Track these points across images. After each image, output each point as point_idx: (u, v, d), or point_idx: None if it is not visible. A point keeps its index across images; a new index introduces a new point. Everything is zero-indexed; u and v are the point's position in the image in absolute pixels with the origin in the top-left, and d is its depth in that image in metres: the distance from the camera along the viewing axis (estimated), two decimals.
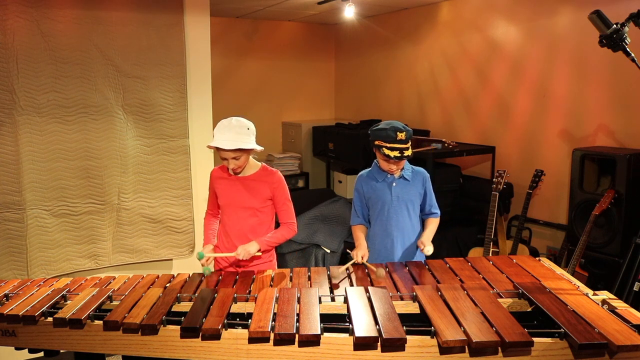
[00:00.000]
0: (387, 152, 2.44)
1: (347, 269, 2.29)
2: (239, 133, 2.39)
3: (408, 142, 2.47)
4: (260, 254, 2.48)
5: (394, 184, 2.58)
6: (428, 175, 2.65)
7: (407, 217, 2.59)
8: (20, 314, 1.97)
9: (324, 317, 1.78)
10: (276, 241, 2.55)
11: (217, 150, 2.41)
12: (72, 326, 1.91)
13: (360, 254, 2.42)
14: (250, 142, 2.41)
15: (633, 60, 1.88)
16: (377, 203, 2.60)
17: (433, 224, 2.65)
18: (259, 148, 2.45)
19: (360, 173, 2.71)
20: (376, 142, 2.49)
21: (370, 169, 2.68)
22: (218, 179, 2.61)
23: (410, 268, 2.30)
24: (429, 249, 2.46)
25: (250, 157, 2.55)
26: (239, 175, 2.55)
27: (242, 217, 2.55)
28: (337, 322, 1.75)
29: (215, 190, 2.62)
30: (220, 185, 2.59)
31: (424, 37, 5.14)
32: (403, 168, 2.58)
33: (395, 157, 2.43)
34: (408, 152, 2.45)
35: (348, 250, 2.51)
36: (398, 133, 2.43)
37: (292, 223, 2.58)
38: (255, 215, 2.54)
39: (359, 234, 2.64)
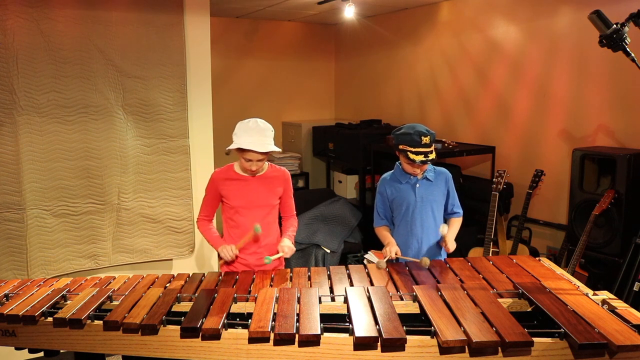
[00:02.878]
0: (412, 156, 2.46)
1: (387, 267, 2.29)
2: (268, 136, 2.43)
3: (432, 146, 2.50)
4: None
5: (418, 185, 2.60)
6: (450, 175, 2.68)
7: (432, 217, 2.62)
8: (20, 314, 1.97)
9: (324, 317, 1.78)
10: (294, 234, 2.67)
11: (244, 151, 2.41)
12: (72, 326, 1.91)
13: (394, 249, 2.46)
14: (274, 145, 2.47)
15: (633, 60, 1.88)
16: (401, 205, 2.63)
17: (456, 224, 2.68)
18: (280, 150, 2.53)
19: (383, 176, 2.73)
20: (400, 147, 2.51)
21: (392, 171, 2.70)
22: (225, 180, 2.58)
23: (410, 268, 2.30)
24: (452, 246, 2.50)
25: None
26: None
27: (259, 216, 2.57)
28: (337, 322, 1.75)
29: (220, 192, 2.59)
30: (230, 186, 2.57)
31: (424, 37, 5.14)
32: (426, 169, 2.61)
33: (421, 161, 2.46)
34: (432, 156, 2.48)
35: (372, 252, 2.52)
36: (422, 137, 2.45)
37: (295, 215, 2.73)
38: (270, 212, 2.61)
39: (385, 233, 2.67)
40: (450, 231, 2.62)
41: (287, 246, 2.52)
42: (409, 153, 2.46)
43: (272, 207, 2.62)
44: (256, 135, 2.39)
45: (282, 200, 2.65)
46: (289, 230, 2.67)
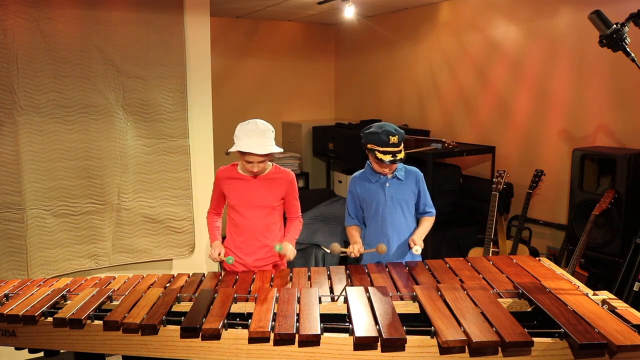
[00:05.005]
0: (380, 156, 2.44)
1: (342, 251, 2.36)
2: (268, 137, 2.42)
3: (400, 145, 2.47)
4: None
5: (387, 184, 2.59)
6: (421, 174, 2.66)
7: (402, 216, 2.61)
8: (20, 314, 1.97)
9: (324, 317, 1.78)
10: (297, 236, 2.67)
11: (244, 154, 2.41)
12: (72, 326, 1.91)
13: (357, 247, 2.49)
14: (275, 146, 2.46)
15: (633, 60, 1.88)
16: (371, 204, 2.62)
17: (427, 223, 2.66)
18: (281, 150, 2.51)
19: (354, 175, 2.72)
20: (369, 146, 2.50)
21: (363, 170, 2.69)
22: (227, 179, 2.60)
23: (410, 268, 2.30)
24: (418, 248, 2.49)
25: None
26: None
27: (258, 217, 2.57)
28: (337, 322, 1.75)
29: (222, 190, 2.62)
30: (231, 185, 2.59)
31: (424, 37, 5.14)
32: (396, 168, 2.60)
33: (389, 161, 2.44)
34: (401, 155, 2.46)
35: (343, 249, 2.54)
36: (390, 137, 2.43)
37: (300, 216, 2.72)
38: (270, 214, 2.59)
39: (353, 232, 2.68)
40: (419, 229, 2.62)
41: (290, 250, 2.53)
42: (376, 152, 2.45)
43: (272, 209, 2.60)
44: (256, 137, 2.39)
45: (286, 201, 2.65)
46: (291, 233, 2.66)
